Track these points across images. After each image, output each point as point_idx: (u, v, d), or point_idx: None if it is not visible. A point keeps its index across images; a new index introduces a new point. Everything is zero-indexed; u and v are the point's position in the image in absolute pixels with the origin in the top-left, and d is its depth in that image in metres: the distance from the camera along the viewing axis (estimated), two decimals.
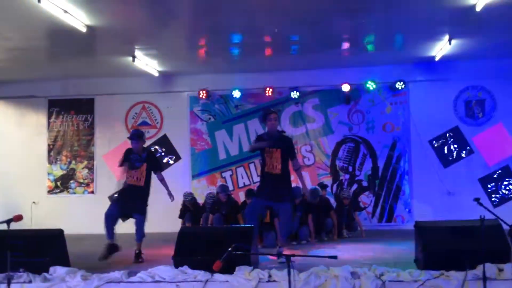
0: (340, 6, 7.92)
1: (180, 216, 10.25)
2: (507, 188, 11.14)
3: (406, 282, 5.31)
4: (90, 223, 11.56)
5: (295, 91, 11.46)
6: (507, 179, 11.16)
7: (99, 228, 11.39)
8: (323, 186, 10.48)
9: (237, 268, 5.56)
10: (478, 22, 8.51)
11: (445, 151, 11.43)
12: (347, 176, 11.60)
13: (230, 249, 4.23)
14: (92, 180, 12.28)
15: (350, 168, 11.64)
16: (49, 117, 12.47)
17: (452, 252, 5.48)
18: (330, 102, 11.73)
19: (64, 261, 6.19)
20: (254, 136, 11.41)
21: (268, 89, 11.47)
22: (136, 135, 7.69)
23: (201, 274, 5.56)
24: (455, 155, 11.43)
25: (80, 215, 11.76)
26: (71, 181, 12.33)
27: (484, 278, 4.81)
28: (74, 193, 12.32)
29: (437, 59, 10.82)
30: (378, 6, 8.01)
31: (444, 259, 5.48)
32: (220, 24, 8.70)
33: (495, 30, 9.10)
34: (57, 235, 6.41)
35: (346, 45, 10.24)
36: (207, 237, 6.17)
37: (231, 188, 11.49)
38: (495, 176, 11.21)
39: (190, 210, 10.20)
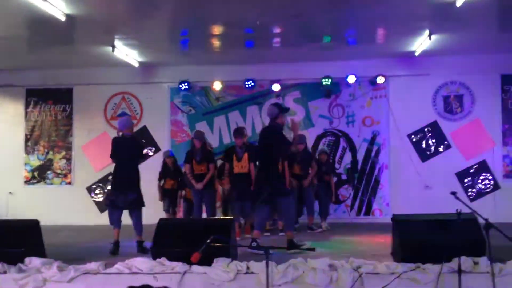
0: None
1: (160, 178, 10.14)
2: (483, 182, 11.29)
3: (382, 274, 5.37)
4: (67, 214, 11.59)
5: (276, 84, 11.46)
6: (483, 174, 11.30)
7: (76, 219, 11.45)
8: None
9: (215, 260, 5.57)
10: (458, 18, 8.58)
11: (423, 145, 11.54)
12: None
13: (208, 241, 4.23)
14: (70, 171, 12.16)
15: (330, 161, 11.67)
16: (26, 107, 12.30)
17: (429, 245, 5.54)
18: (311, 95, 11.74)
19: (40, 252, 6.13)
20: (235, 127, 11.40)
21: (249, 81, 11.44)
22: None
23: (179, 266, 5.56)
24: (433, 149, 11.53)
25: (57, 206, 11.66)
26: (48, 172, 12.19)
27: (460, 271, 4.88)
28: (51, 183, 12.18)
29: (417, 54, 10.89)
30: (359, 0, 8.02)
31: (421, 252, 5.55)
32: (201, 15, 8.64)
33: (474, 26, 9.18)
34: (33, 225, 6.35)
35: (327, 39, 10.25)
36: (186, 228, 6.16)
37: None
38: (471, 170, 11.34)
39: (170, 170, 10.10)
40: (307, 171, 9.78)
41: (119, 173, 7.72)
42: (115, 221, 7.60)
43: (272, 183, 7.32)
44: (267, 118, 11.14)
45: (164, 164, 10.21)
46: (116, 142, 7.77)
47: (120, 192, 7.60)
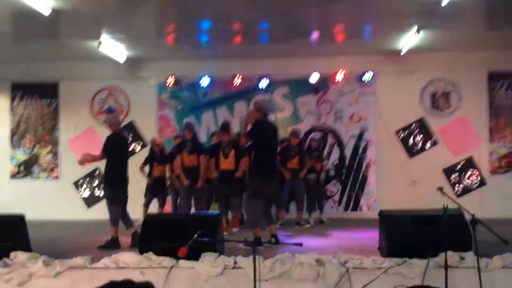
0: None
1: (144, 162, 10.12)
2: (470, 179, 11.37)
3: (369, 269, 5.38)
4: (53, 208, 11.48)
5: (264, 79, 11.43)
6: (470, 170, 11.38)
7: (62, 213, 11.37)
8: None
9: (202, 255, 5.55)
10: (445, 15, 8.58)
11: (411, 141, 11.59)
12: None
13: (195, 235, 4.21)
14: (56, 165, 12.06)
15: None
16: (12, 101, 12.18)
17: (415, 241, 5.56)
18: (299, 91, 11.75)
19: (26, 247, 6.08)
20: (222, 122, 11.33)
21: (237, 76, 11.40)
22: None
23: (166, 261, 5.54)
24: (420, 145, 11.59)
25: (44, 201, 11.54)
26: (35, 166, 12.08)
27: (446, 266, 4.89)
28: (38, 178, 12.08)
29: (404, 51, 10.92)
30: None
31: (407, 247, 5.56)
32: (189, 10, 8.58)
33: (461, 23, 9.21)
34: (19, 220, 6.30)
35: (315, 35, 10.24)
36: (173, 223, 6.12)
37: None
38: (458, 167, 11.41)
39: (157, 156, 10.09)
40: (303, 166, 9.84)
41: (122, 170, 7.69)
42: (119, 218, 7.58)
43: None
44: None
45: (151, 152, 10.18)
46: (113, 140, 7.67)
47: (125, 190, 7.65)
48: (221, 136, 9.02)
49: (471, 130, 11.40)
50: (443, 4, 7.71)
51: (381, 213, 6.20)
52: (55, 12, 8.04)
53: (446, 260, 4.92)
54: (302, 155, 9.90)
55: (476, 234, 4.64)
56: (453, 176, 11.38)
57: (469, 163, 11.41)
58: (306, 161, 9.98)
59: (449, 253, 5.16)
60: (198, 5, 8.29)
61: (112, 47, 10.45)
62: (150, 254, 5.68)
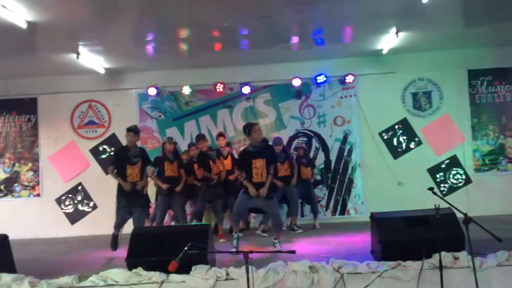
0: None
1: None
2: (455, 177, 11.40)
3: (364, 274, 5.32)
4: (36, 227, 11.26)
5: (246, 86, 11.36)
6: (454, 169, 11.41)
7: (46, 232, 11.13)
8: None
9: (193, 268, 5.43)
10: (425, 14, 8.63)
11: (395, 142, 11.59)
12: None
13: (186, 248, 4.10)
14: (38, 183, 11.81)
15: None
16: None
17: (408, 242, 5.51)
18: (282, 96, 11.69)
19: (10, 268, 5.89)
20: (206, 132, 11.28)
21: (218, 84, 11.32)
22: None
23: (156, 276, 5.40)
24: (404, 146, 11.60)
25: (26, 220, 11.33)
26: (16, 184, 11.82)
27: (441, 267, 4.85)
28: (19, 196, 11.81)
29: (384, 52, 10.94)
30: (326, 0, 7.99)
31: (401, 249, 5.50)
32: (167, 19, 8.48)
33: (440, 22, 9.27)
34: (1, 240, 6.10)
35: (295, 39, 10.22)
36: (162, 237, 5.98)
37: None
38: (443, 166, 11.44)
39: None
40: (293, 171, 9.78)
41: None
42: None
43: None
44: (238, 121, 11.26)
45: None
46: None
47: None
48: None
49: (453, 128, 11.44)
50: (425, 1, 7.69)
51: (372, 216, 6.13)
52: (31, 25, 7.89)
53: (440, 261, 4.89)
54: (290, 160, 9.84)
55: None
56: (438, 175, 11.40)
57: (454, 162, 11.43)
58: (295, 164, 9.95)
59: (443, 253, 5.12)
60: (175, 13, 8.19)
61: (91, 60, 10.29)
62: (139, 270, 5.54)
